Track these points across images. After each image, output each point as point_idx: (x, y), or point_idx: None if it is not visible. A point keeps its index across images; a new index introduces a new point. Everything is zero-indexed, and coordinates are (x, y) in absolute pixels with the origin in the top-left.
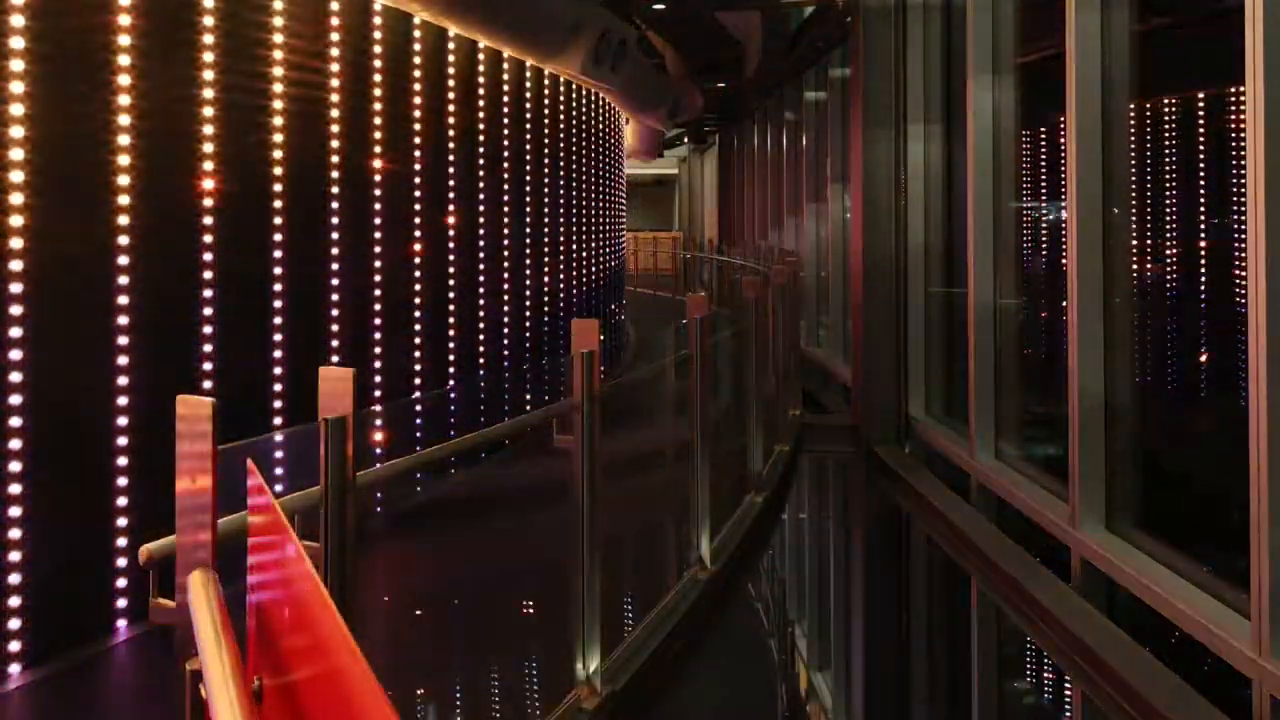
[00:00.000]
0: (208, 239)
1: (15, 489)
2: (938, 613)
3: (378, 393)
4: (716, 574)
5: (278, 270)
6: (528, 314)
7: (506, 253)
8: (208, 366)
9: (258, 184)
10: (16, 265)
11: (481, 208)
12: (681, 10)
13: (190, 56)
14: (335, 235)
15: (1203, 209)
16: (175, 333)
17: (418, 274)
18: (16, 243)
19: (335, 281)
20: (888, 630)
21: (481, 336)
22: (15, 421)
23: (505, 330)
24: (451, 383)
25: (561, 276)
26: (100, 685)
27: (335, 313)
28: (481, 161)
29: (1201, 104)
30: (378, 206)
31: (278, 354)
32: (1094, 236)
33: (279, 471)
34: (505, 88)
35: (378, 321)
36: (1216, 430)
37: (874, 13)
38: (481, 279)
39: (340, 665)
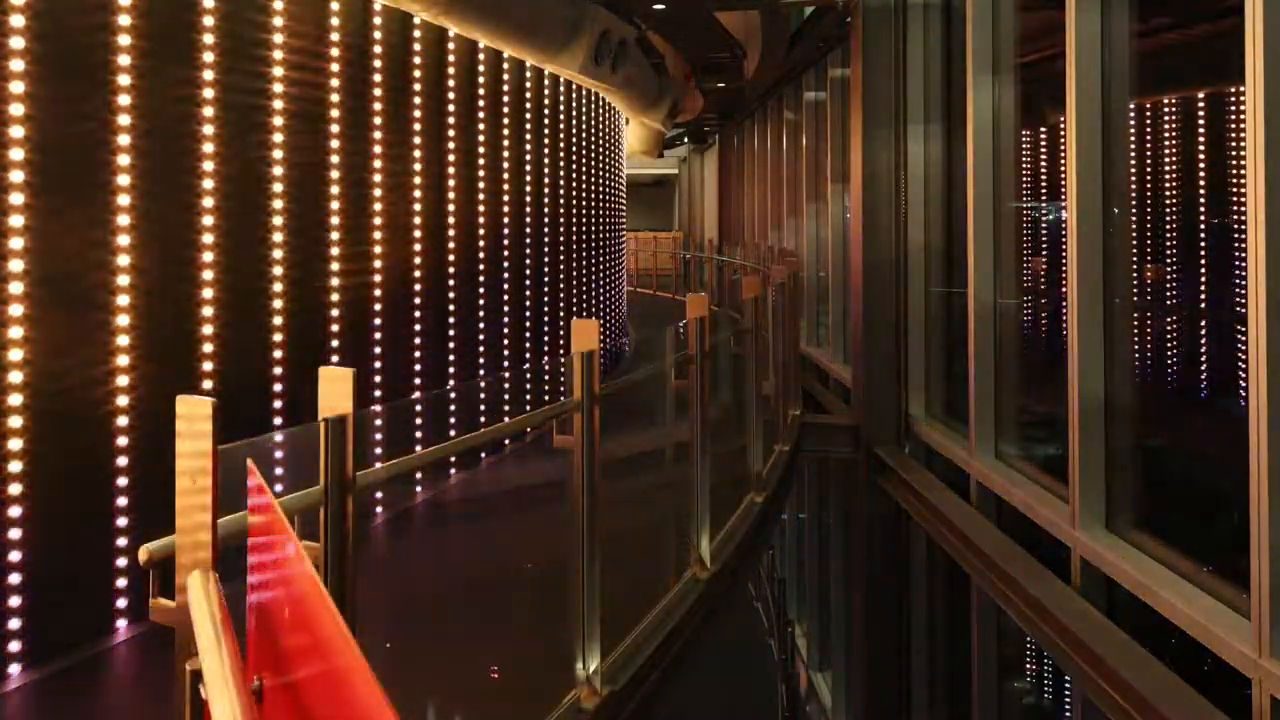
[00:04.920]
0: (208, 239)
1: (15, 489)
2: (937, 612)
3: (378, 393)
4: (716, 574)
5: (278, 270)
6: (528, 314)
7: (506, 253)
8: (208, 366)
9: (258, 184)
10: (16, 265)
11: (481, 208)
12: (681, 10)
13: (191, 57)
14: (335, 235)
15: (1202, 208)
16: (175, 333)
17: (418, 274)
18: (16, 243)
19: (335, 281)
20: (888, 630)
21: (481, 336)
22: (15, 422)
23: (505, 330)
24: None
25: (561, 276)
26: (100, 685)
27: (335, 313)
28: (481, 161)
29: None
30: (378, 206)
31: (278, 354)
32: (1094, 236)
33: (279, 471)
34: (505, 88)
35: (378, 321)
36: (1216, 430)
37: (874, 13)
38: (481, 279)
39: (340, 665)
